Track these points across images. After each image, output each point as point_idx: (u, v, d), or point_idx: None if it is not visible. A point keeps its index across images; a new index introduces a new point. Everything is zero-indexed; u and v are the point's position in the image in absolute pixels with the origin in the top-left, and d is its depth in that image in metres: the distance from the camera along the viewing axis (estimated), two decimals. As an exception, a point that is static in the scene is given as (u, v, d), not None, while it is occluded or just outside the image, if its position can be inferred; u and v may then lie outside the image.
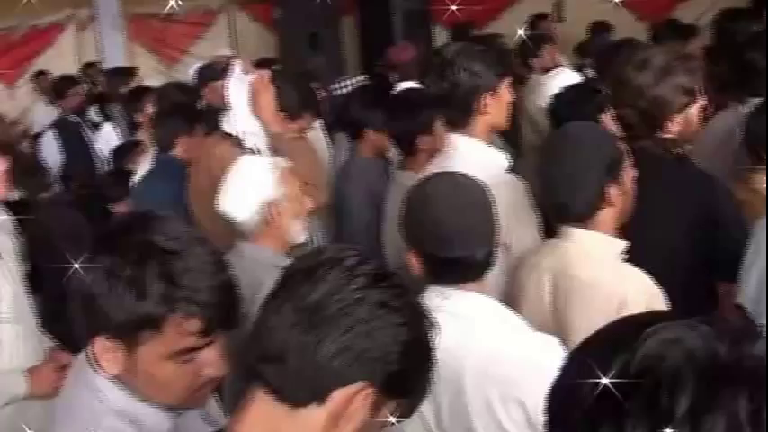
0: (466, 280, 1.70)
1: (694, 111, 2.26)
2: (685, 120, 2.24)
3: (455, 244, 1.67)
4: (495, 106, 2.36)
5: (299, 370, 1.00)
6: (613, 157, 1.92)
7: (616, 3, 7.18)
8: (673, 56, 2.28)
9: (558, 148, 2.01)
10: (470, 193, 1.76)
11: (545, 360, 1.41)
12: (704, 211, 2.16)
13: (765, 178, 2.27)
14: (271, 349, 1.02)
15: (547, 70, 4.86)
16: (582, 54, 5.84)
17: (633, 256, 1.93)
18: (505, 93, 2.40)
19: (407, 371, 1.04)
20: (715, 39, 4.39)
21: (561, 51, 5.78)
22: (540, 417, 0.80)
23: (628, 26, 6.45)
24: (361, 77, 5.14)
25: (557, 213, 2.00)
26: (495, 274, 2.19)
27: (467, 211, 1.71)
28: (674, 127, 2.22)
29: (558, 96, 3.19)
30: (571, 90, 3.22)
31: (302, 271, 1.05)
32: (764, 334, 0.74)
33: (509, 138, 4.60)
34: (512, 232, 2.19)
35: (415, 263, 1.69)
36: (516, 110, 4.79)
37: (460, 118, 2.35)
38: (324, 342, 1.00)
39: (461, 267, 1.69)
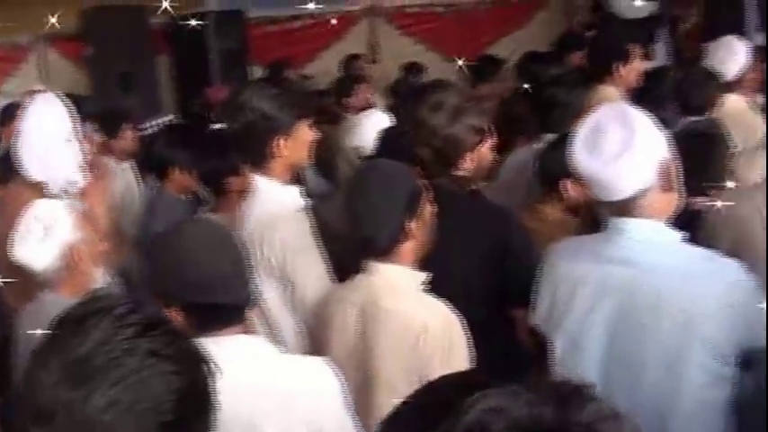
0: (232, 323, 1.73)
1: (485, 149, 2.43)
2: (477, 157, 2.40)
3: (217, 288, 1.69)
4: (292, 147, 2.39)
5: (69, 428, 0.98)
6: (413, 193, 2.06)
7: (429, 44, 7.61)
8: (465, 98, 2.46)
9: (362, 184, 2.12)
10: (221, 237, 1.79)
11: (325, 383, 1.64)
12: (496, 241, 2.33)
13: (555, 209, 2.47)
14: (41, 408, 0.99)
15: (361, 110, 5.03)
16: (395, 94, 6.08)
17: (434, 287, 2.08)
18: (304, 133, 2.43)
19: (184, 419, 1.04)
20: (518, 80, 4.70)
21: (376, 91, 5.99)
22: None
23: (438, 66, 6.78)
24: (171, 117, 5.12)
25: (362, 247, 2.10)
26: (278, 305, 2.28)
27: (224, 255, 1.74)
28: (466, 164, 2.38)
29: (377, 137, 3.29)
30: (385, 131, 3.34)
31: (71, 322, 1.04)
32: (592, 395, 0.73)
33: (327, 175, 4.72)
34: (297, 267, 2.29)
35: (176, 317, 1.66)
36: (333, 148, 4.95)
37: (259, 159, 2.39)
38: (93, 396, 0.98)
39: (226, 311, 1.73)
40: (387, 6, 7.57)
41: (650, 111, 4.04)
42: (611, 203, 1.82)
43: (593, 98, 3.98)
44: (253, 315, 2.30)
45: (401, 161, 2.17)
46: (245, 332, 1.77)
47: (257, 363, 1.71)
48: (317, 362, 1.79)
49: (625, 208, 1.81)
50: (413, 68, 6.73)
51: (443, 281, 2.08)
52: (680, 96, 3.80)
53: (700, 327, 1.73)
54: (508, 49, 6.76)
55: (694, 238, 2.22)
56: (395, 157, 2.35)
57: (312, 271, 2.31)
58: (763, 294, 1.78)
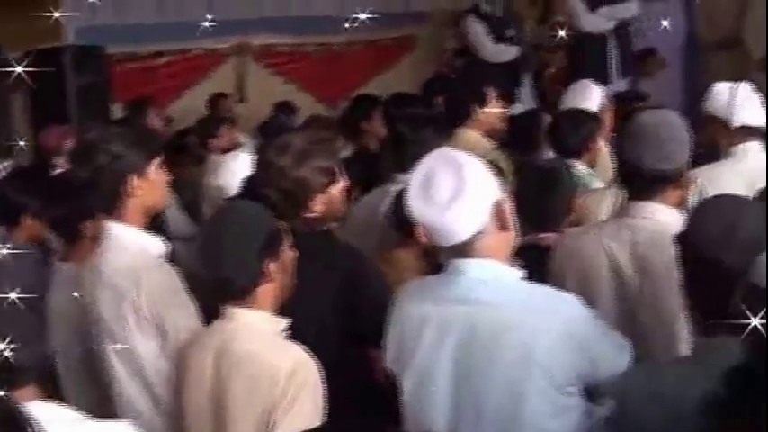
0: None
1: (336, 190, 2.51)
2: (328, 199, 2.48)
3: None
4: (147, 188, 2.39)
5: None
6: (272, 234, 2.11)
7: (298, 84, 7.70)
8: (312, 139, 2.54)
9: (218, 225, 2.16)
10: None
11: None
12: (348, 280, 2.41)
13: (408, 254, 2.55)
14: None
15: (226, 150, 5.05)
16: (264, 134, 6.12)
17: (291, 329, 2.13)
18: (157, 174, 2.44)
19: None
20: (384, 121, 4.82)
21: (243, 131, 6.02)
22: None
23: (309, 106, 6.88)
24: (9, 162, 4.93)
25: (219, 290, 2.13)
26: (153, 357, 2.28)
27: None
28: (317, 206, 2.46)
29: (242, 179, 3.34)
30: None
31: None
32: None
33: (191, 216, 4.71)
34: (166, 318, 2.31)
35: None
36: (196, 189, 4.95)
37: (111, 202, 2.38)
38: None
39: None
40: (255, 45, 7.63)
41: (522, 154, 4.31)
42: (450, 247, 1.92)
43: (453, 141, 4.15)
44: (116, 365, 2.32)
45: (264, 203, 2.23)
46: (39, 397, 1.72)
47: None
48: (120, 427, 1.79)
49: (463, 250, 1.91)
50: (285, 108, 6.80)
51: (299, 322, 2.14)
52: (555, 139, 3.98)
53: (540, 357, 1.84)
54: (378, 89, 6.91)
55: (542, 274, 2.37)
56: (258, 198, 2.41)
57: (182, 319, 2.32)
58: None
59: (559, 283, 2.33)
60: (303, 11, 8.05)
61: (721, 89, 3.37)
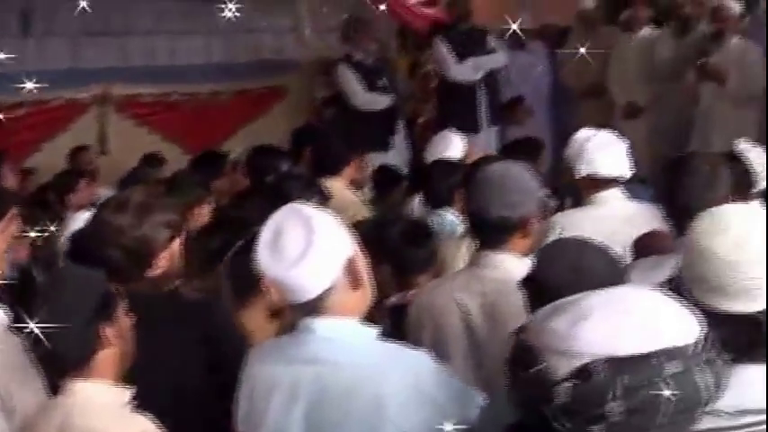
0: None
1: (177, 245, 2.47)
2: (170, 255, 2.44)
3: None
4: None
5: None
6: (105, 297, 2.04)
7: (163, 135, 7.60)
8: (151, 194, 2.53)
9: (46, 294, 2.07)
10: None
11: None
12: (204, 338, 2.37)
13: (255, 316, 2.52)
14: None
15: (85, 206, 4.92)
16: (126, 187, 5.99)
17: (144, 400, 2.06)
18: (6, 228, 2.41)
19: None
20: (248, 174, 4.83)
21: (105, 185, 5.88)
22: None
23: (177, 158, 6.79)
24: None
25: (54, 364, 2.06)
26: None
27: None
28: (161, 263, 2.41)
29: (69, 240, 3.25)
30: (77, 233, 3.30)
31: None
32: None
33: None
34: (13, 395, 2.23)
35: None
36: (54, 249, 4.78)
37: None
38: None
39: None
40: (117, 94, 7.51)
41: (394, 205, 4.37)
42: (300, 304, 1.91)
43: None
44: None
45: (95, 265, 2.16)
46: None
47: None
48: None
49: (313, 308, 1.90)
50: (151, 160, 6.68)
51: (152, 392, 2.07)
52: (424, 189, 4.10)
53: (392, 415, 1.84)
54: (247, 139, 6.91)
55: (401, 329, 2.41)
56: (96, 260, 2.34)
57: (29, 395, 2.23)
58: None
59: (416, 338, 2.37)
60: (168, 59, 7.99)
61: (577, 138, 3.50)
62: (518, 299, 2.01)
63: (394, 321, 2.62)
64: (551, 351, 1.28)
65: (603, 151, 3.35)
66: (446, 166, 4.20)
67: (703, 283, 1.61)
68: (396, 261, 3.03)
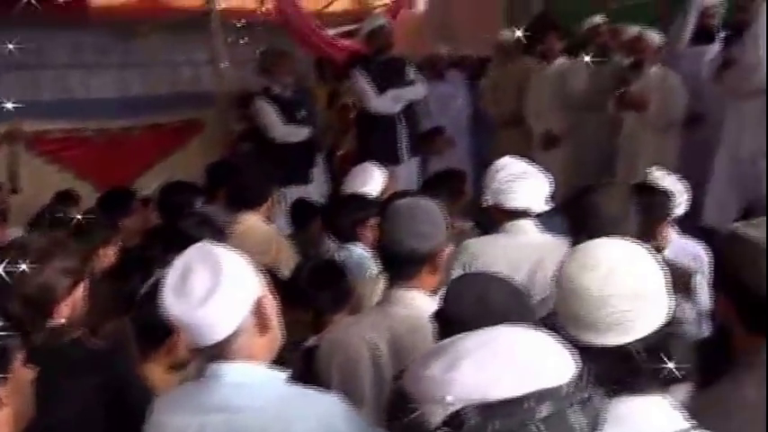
0: None
1: (80, 292, 2.44)
2: (72, 302, 2.41)
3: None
4: None
5: None
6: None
7: (77, 172, 7.45)
8: (52, 239, 2.48)
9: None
10: None
11: None
12: (106, 388, 2.32)
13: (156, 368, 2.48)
14: None
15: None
16: (37, 227, 5.84)
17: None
18: None
19: None
20: (158, 213, 4.77)
21: (15, 225, 5.73)
22: None
23: (90, 195, 6.66)
24: None
25: None
26: None
27: None
28: (63, 311, 2.37)
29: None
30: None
31: None
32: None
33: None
34: None
35: None
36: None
37: None
38: None
39: None
40: (27, 131, 7.33)
41: (311, 239, 4.35)
42: (207, 348, 1.88)
43: (236, 228, 4.17)
44: None
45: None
46: None
47: None
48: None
49: (221, 352, 1.88)
50: (65, 198, 6.53)
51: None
52: (332, 224, 4.09)
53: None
54: (163, 175, 6.83)
55: (312, 371, 2.40)
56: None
57: None
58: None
59: (326, 375, 2.37)
60: (83, 94, 7.86)
61: (490, 168, 3.58)
62: (427, 335, 2.02)
63: (308, 364, 2.61)
64: (426, 398, 1.28)
65: (512, 183, 3.42)
66: (354, 199, 4.22)
67: (578, 320, 1.66)
68: (309, 302, 3.04)
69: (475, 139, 8.25)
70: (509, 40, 7.71)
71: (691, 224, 4.57)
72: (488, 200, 3.46)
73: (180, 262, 1.89)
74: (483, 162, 7.59)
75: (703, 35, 6.58)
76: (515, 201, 3.41)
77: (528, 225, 3.46)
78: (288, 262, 4.13)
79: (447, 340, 1.37)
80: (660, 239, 3.32)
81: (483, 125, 8.19)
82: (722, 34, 6.43)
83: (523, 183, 3.43)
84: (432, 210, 2.54)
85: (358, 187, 4.51)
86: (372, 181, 4.58)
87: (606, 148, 6.85)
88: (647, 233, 3.06)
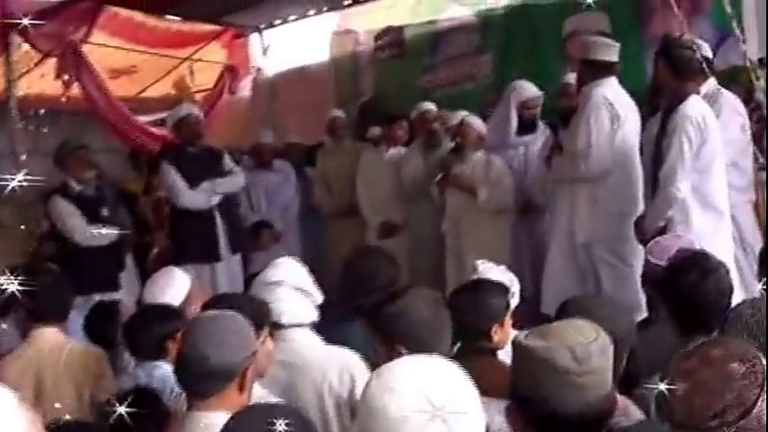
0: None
1: None
2: None
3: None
4: None
5: None
6: None
7: None
8: None
9: None
10: None
11: None
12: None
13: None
14: None
15: None
16: None
17: None
18: None
19: None
20: None
21: None
22: None
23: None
24: None
25: None
26: None
27: None
28: None
29: None
30: None
31: None
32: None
33: None
34: None
35: None
36: None
37: None
38: None
39: None
40: None
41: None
42: None
43: (33, 340, 3.92)
44: None
45: None
46: None
47: None
48: None
49: None
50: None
51: None
52: (129, 340, 3.82)
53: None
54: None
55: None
56: None
57: None
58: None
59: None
60: None
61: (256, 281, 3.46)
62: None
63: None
64: None
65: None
66: (155, 311, 3.92)
67: None
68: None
69: (307, 230, 8.02)
70: (339, 127, 7.60)
71: (531, 315, 4.52)
72: None
73: None
74: (317, 256, 7.44)
75: (528, 125, 6.75)
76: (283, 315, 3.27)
77: (301, 335, 3.32)
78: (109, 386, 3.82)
79: None
80: (497, 340, 3.19)
81: (314, 215, 7.99)
82: (543, 123, 6.69)
83: (291, 295, 3.33)
84: (238, 321, 2.52)
85: (157, 295, 4.17)
86: (173, 288, 4.23)
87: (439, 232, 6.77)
88: (480, 336, 3.09)
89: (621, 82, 5.43)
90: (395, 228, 7.15)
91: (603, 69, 5.35)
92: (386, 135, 7.42)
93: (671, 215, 4.81)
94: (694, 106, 4.77)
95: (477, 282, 3.53)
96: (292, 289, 3.33)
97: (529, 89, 6.74)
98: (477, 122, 6.62)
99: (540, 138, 6.63)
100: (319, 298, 3.43)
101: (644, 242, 4.68)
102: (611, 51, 5.41)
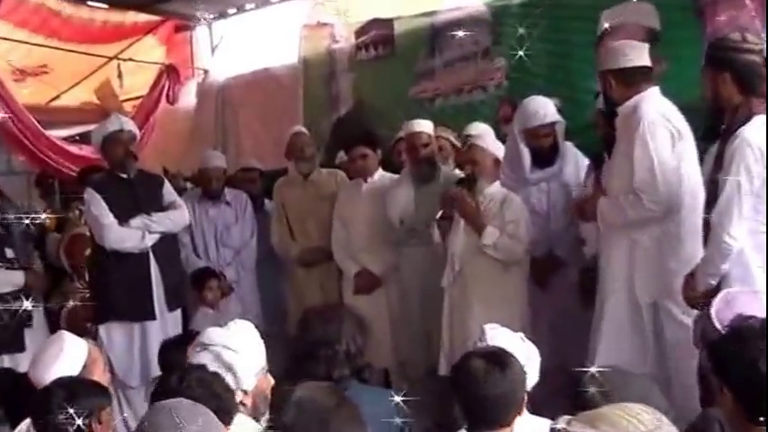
0: None
1: None
2: None
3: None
4: None
5: None
6: None
7: None
8: None
9: None
10: None
11: None
12: None
13: None
14: None
15: None
16: None
17: None
18: None
19: None
20: None
21: None
22: None
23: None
24: None
25: None
26: None
27: None
28: None
29: None
30: None
31: None
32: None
33: None
34: None
35: None
36: None
37: None
38: None
39: None
40: None
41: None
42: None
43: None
44: None
45: None
46: None
47: None
48: None
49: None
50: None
51: None
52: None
53: None
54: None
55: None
56: None
57: None
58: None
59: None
60: None
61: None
62: None
63: None
64: None
65: None
66: (77, 387, 3.89)
67: None
68: None
69: (266, 280, 7.97)
70: (304, 147, 7.63)
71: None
72: None
73: None
74: (277, 309, 7.41)
75: (543, 157, 6.45)
76: None
77: None
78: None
79: None
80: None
81: (276, 260, 7.95)
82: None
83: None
84: (196, 410, 2.69)
85: (48, 366, 4.22)
86: (63, 358, 4.26)
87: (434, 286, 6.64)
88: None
89: (669, 94, 5.27)
90: (375, 280, 7.07)
91: (640, 77, 5.20)
92: (348, 165, 7.42)
93: (726, 269, 4.69)
94: (759, 130, 4.61)
95: (488, 355, 3.51)
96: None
97: (534, 114, 6.36)
98: (490, 142, 6.24)
99: (569, 164, 6.41)
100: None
101: (689, 301, 4.68)
102: (643, 54, 5.26)
